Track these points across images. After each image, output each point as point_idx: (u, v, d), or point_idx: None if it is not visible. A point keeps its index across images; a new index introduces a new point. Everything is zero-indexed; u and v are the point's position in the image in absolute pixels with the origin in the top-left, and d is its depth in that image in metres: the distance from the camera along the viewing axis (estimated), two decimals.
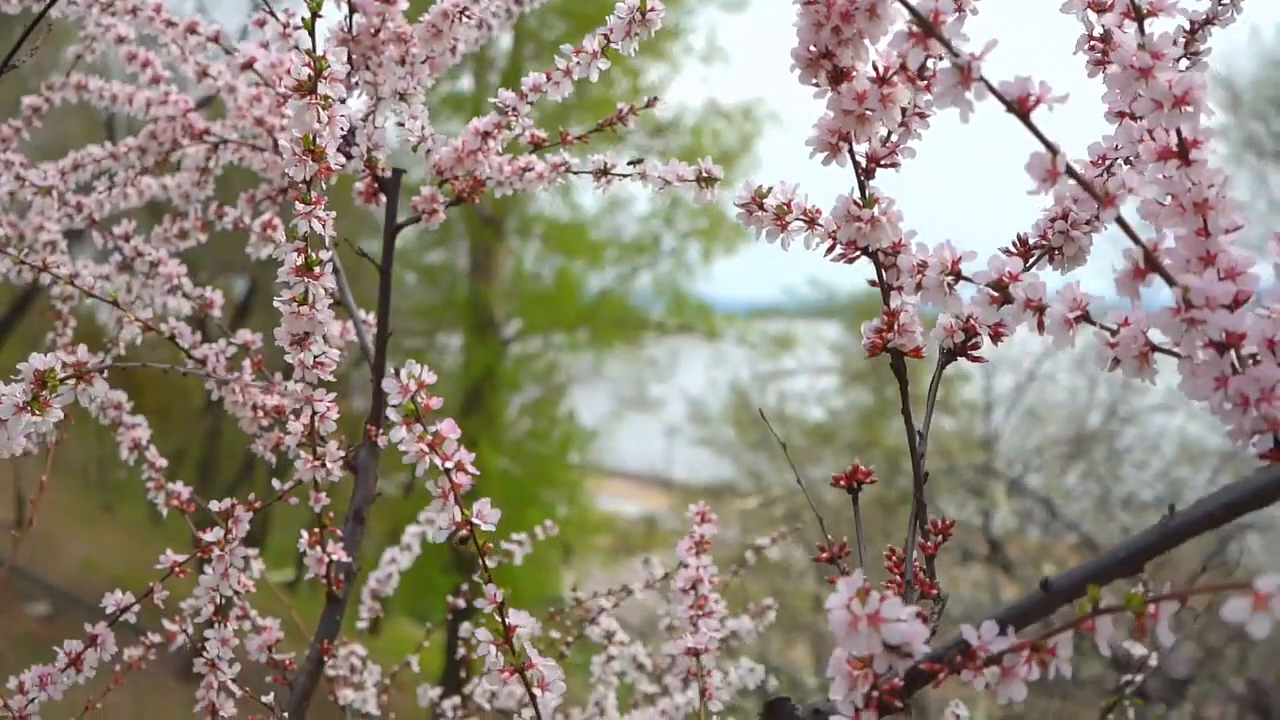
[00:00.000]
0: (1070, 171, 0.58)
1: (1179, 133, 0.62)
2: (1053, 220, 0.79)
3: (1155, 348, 0.63)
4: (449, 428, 0.72)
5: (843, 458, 9.08)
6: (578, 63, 1.04)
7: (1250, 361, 0.60)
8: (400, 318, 12.19)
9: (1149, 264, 0.59)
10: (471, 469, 0.73)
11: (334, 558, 1.10)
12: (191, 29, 1.21)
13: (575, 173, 1.11)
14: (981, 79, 0.58)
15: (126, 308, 1.11)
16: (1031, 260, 0.80)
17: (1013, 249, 0.80)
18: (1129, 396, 7.56)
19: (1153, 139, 0.64)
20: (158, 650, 1.29)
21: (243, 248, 1.36)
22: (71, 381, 0.75)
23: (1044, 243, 0.79)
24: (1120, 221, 0.59)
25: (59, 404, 0.75)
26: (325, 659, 1.13)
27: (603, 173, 1.08)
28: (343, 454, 1.03)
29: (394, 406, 0.71)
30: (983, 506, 6.45)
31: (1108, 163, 0.80)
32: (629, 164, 1.08)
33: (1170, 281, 0.59)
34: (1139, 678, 1.22)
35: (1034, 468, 7.13)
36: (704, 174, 0.97)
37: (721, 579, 1.90)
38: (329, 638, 1.14)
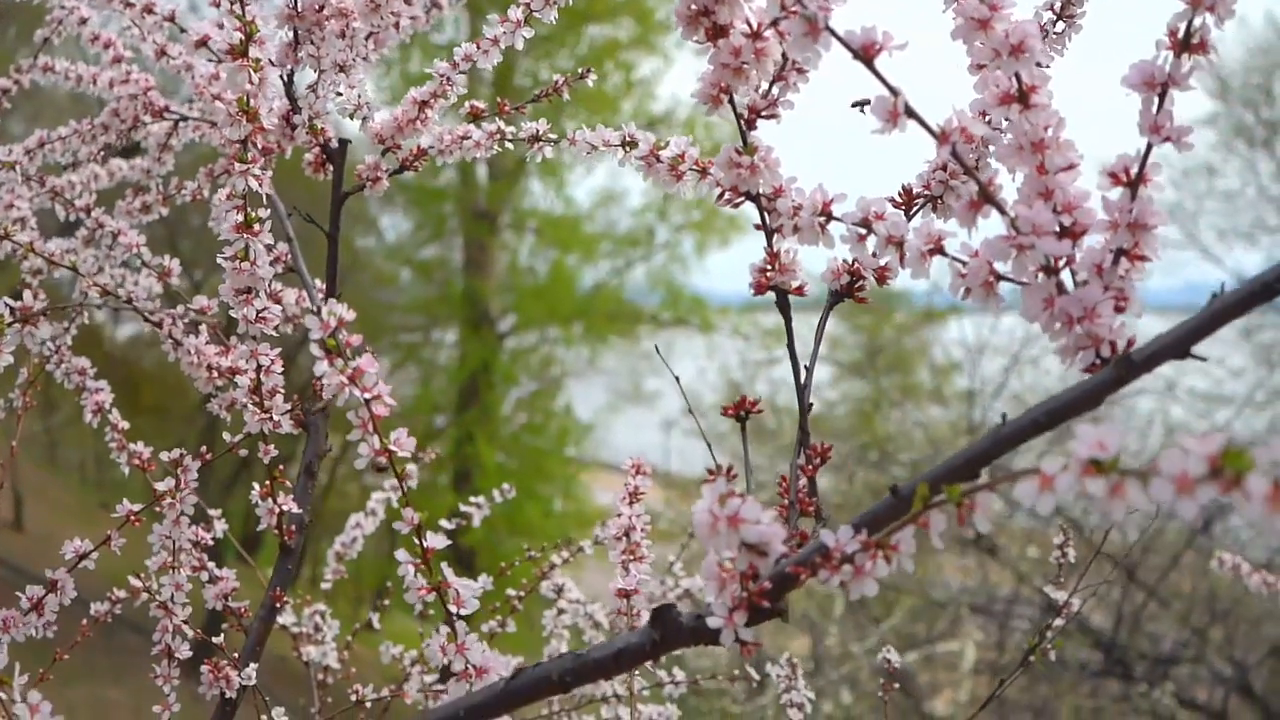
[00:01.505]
0: (909, 112, 0.64)
1: (1018, 78, 0.68)
2: (935, 170, 0.85)
3: (1000, 276, 0.68)
4: (368, 362, 0.78)
5: (835, 446, 9.14)
6: (504, 32, 1.10)
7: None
8: (396, 313, 12.26)
9: (984, 197, 0.65)
10: (390, 400, 0.78)
11: (285, 509, 1.15)
12: (148, 9, 1.27)
13: (511, 140, 1.17)
14: (828, 29, 0.64)
15: (87, 274, 1.17)
16: (915, 208, 0.85)
17: (897, 198, 0.85)
18: None
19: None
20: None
21: None
22: (17, 325, 0.81)
23: (926, 192, 0.85)
24: (957, 158, 0.65)
25: (8, 349, 0.81)
26: (278, 606, 1.19)
27: (535, 139, 1.14)
28: (289, 407, 1.09)
29: (315, 341, 0.76)
30: None
31: (987, 117, 0.85)
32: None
33: (1002, 211, 0.65)
34: (1059, 622, 1.27)
35: (1021, 450, 7.19)
36: (627, 139, 1.02)
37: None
38: (282, 586, 1.20)
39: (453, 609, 0.80)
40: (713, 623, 0.68)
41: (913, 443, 8.83)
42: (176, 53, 1.35)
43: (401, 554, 0.80)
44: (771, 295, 0.86)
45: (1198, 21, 0.65)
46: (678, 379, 1.26)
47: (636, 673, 1.48)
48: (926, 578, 7.57)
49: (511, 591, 1.54)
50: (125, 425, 1.29)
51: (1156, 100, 0.65)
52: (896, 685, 1.32)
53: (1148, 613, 6.53)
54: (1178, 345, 0.60)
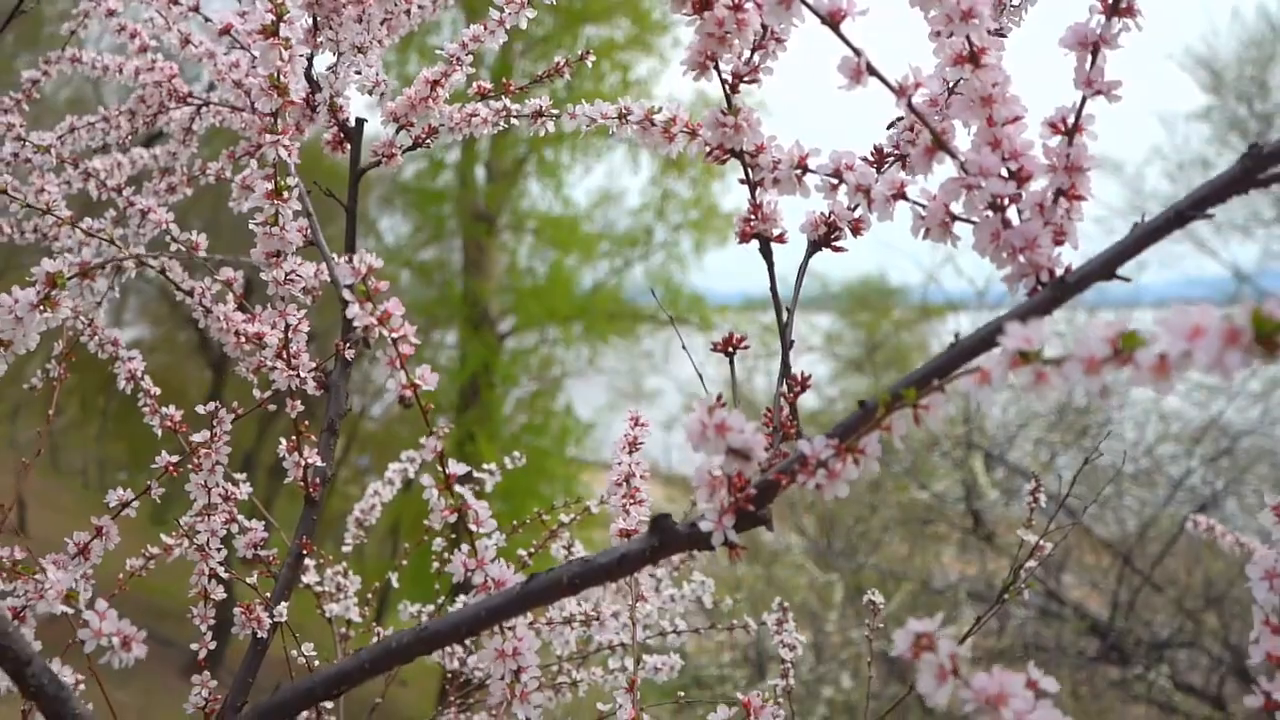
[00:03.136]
0: (871, 70, 0.73)
1: (969, 41, 0.77)
2: (903, 131, 0.94)
3: (955, 216, 0.77)
4: (395, 305, 0.87)
5: None
6: (510, 13, 1.19)
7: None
8: None
9: (936, 143, 0.74)
10: (414, 339, 0.87)
11: (310, 462, 1.24)
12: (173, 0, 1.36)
13: (516, 117, 1.25)
14: None
15: (123, 247, 1.25)
16: (886, 165, 0.94)
17: (870, 156, 0.94)
18: None
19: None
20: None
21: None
22: (77, 279, 0.89)
23: (896, 150, 0.94)
24: (912, 109, 0.74)
25: (67, 302, 0.90)
26: (305, 554, 1.27)
27: (538, 114, 1.23)
28: (315, 365, 1.18)
29: (347, 287, 0.85)
30: (964, 478, 6.61)
31: (950, 83, 0.94)
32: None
33: (953, 156, 0.74)
34: (1031, 564, 1.36)
35: (1017, 443, 7.29)
36: (623, 111, 1.11)
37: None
38: (307, 534, 1.28)
39: (473, 528, 0.89)
40: (704, 526, 0.77)
41: (910, 437, 8.93)
42: (199, 41, 1.44)
43: (426, 479, 0.89)
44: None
45: None
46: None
47: (641, 624, 1.57)
48: (925, 567, 7.66)
49: (522, 551, 1.63)
50: (157, 391, 1.38)
51: (1090, 57, 0.74)
52: (882, 625, 1.40)
53: (1143, 599, 6.62)
54: (1105, 268, 0.69)
